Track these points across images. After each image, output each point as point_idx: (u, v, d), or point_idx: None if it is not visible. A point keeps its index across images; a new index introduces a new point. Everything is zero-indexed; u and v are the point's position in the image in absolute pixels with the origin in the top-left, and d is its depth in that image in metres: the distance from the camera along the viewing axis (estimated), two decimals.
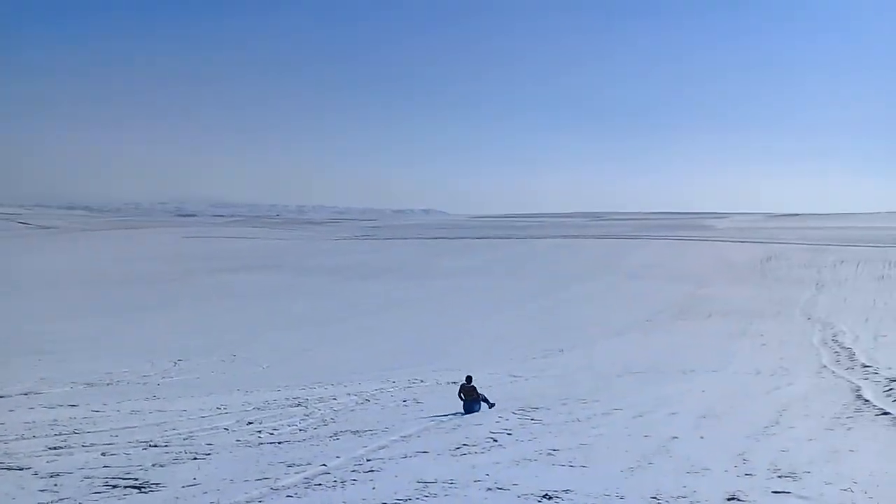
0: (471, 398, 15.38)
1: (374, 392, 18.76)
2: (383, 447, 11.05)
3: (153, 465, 9.91)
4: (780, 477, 8.60)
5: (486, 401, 15.56)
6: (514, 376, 22.41)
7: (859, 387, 16.85)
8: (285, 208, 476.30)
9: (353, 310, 46.67)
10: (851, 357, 23.77)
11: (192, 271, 71.70)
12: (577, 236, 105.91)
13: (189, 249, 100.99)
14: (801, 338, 31.37)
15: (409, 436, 12.10)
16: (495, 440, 11.48)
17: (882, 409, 13.20)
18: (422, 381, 21.13)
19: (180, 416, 15.09)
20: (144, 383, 22.95)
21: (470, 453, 10.45)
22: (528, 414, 14.41)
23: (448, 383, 20.79)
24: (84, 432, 12.99)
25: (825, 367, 22.26)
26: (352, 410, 15.72)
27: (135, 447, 11.46)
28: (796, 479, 8.47)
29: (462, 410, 15.17)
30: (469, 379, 15.72)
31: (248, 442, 11.99)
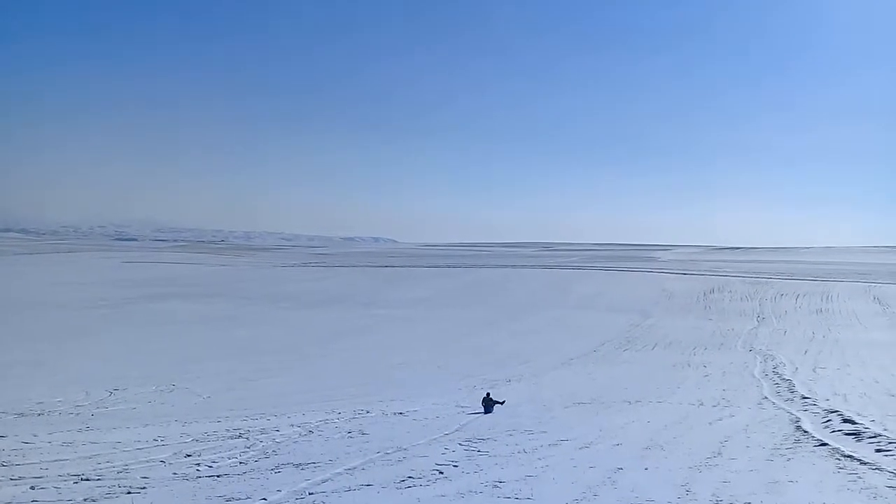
0: (490, 404, 21.01)
1: (318, 423, 18.38)
2: (326, 480, 10.79)
3: (84, 500, 9.48)
4: None
5: (498, 402, 21.21)
6: (461, 406, 22.27)
7: (799, 418, 17.19)
8: (231, 234, 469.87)
9: (297, 339, 45.98)
10: (791, 389, 24.32)
11: (132, 298, 69.81)
12: (526, 266, 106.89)
13: (128, 275, 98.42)
14: (742, 369, 32.03)
15: (354, 468, 11.85)
16: (441, 472, 11.32)
17: (820, 440, 13.47)
18: (367, 412, 20.81)
19: (114, 448, 14.50)
20: (78, 413, 22.11)
21: (415, 486, 10.28)
22: (475, 445, 14.29)
23: (394, 414, 20.51)
24: (12, 465, 12.36)
25: (766, 398, 22.71)
26: (295, 442, 15.35)
27: (65, 481, 10.95)
28: None
29: (483, 411, 20.70)
30: (488, 394, 21.66)
31: (186, 475, 11.57)
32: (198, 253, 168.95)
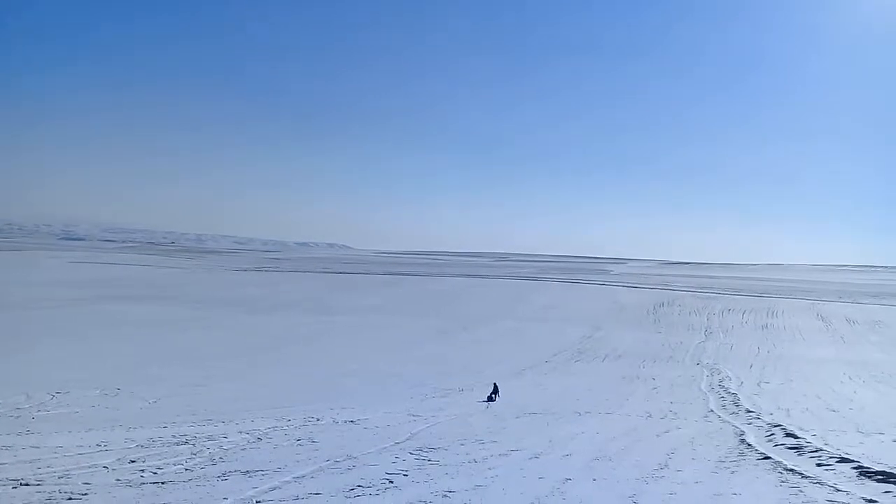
0: (495, 392, 26.45)
1: (268, 430, 18.12)
2: (274, 488, 10.64)
3: None
4: None
5: (497, 394, 26.44)
6: (413, 415, 22.18)
7: (743, 431, 17.57)
8: (183, 236, 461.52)
9: (248, 344, 45.34)
10: (736, 402, 24.86)
11: (78, 299, 68.03)
12: (481, 276, 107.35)
13: (75, 275, 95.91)
14: (690, 382, 32.64)
15: (303, 476, 11.70)
16: (391, 481, 11.26)
17: (763, 453, 13.77)
18: (318, 420, 20.59)
19: (56, 452, 14.10)
20: (17, 416, 21.44)
21: (364, 495, 10.20)
22: (426, 454, 14.24)
23: (345, 422, 20.34)
24: None
25: (712, 411, 23.17)
26: (243, 449, 15.10)
27: (4, 486, 10.62)
28: None
29: (486, 400, 25.91)
30: (495, 385, 27.07)
31: (129, 482, 11.29)
32: (147, 254, 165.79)
